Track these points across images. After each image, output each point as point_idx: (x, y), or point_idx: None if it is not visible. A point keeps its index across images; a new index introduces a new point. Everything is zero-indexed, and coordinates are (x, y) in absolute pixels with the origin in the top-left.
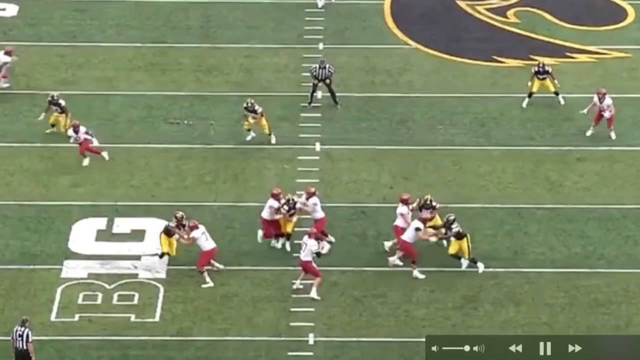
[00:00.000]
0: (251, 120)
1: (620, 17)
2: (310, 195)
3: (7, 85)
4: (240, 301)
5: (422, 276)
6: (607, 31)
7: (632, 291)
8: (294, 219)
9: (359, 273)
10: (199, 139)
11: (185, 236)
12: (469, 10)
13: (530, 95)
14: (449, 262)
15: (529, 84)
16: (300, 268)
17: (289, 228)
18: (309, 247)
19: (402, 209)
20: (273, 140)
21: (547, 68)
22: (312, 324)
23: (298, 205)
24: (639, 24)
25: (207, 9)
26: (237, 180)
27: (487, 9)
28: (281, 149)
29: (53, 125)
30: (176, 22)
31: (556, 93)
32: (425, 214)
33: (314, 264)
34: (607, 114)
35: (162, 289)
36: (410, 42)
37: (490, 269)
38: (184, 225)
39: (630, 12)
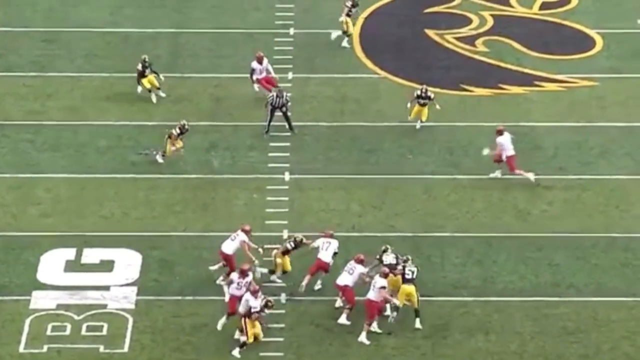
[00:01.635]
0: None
1: (588, 46)
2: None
3: None
4: (210, 331)
5: (379, 330)
6: (576, 60)
7: (601, 319)
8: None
9: (329, 303)
10: (168, 169)
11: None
12: (438, 40)
13: (410, 116)
14: (419, 292)
15: (408, 105)
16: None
17: (287, 266)
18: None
19: (360, 268)
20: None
21: (429, 94)
22: (281, 354)
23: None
24: (607, 52)
25: (176, 39)
26: (207, 209)
27: (456, 38)
28: (250, 178)
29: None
30: (145, 51)
31: (422, 120)
32: (385, 269)
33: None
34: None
35: (131, 320)
36: (379, 71)
37: (460, 298)
38: None
39: (599, 41)
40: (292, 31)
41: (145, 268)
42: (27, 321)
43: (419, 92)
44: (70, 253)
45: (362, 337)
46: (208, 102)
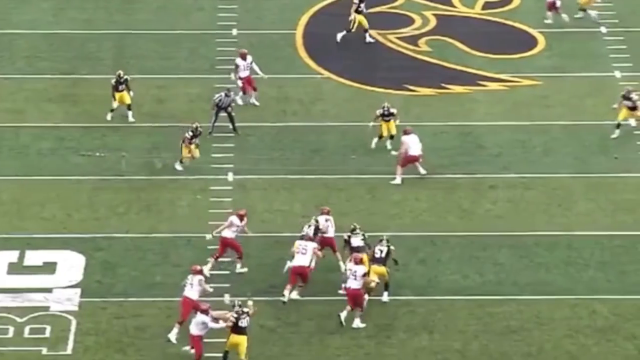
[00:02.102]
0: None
1: (531, 45)
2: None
3: None
4: (153, 333)
5: (362, 325)
6: (519, 59)
7: (543, 317)
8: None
9: (273, 303)
10: (111, 171)
11: None
12: (381, 40)
13: (380, 137)
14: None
15: (371, 124)
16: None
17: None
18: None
19: (312, 244)
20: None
21: (392, 110)
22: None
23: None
24: (550, 52)
25: (119, 40)
26: (150, 211)
27: (399, 38)
28: (193, 179)
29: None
30: (88, 53)
31: (391, 137)
32: (357, 255)
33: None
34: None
35: (74, 322)
36: (322, 71)
37: (404, 297)
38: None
39: (541, 40)
40: (234, 32)
41: (88, 270)
42: None
43: (381, 111)
44: (12, 255)
45: (357, 322)
46: (152, 103)
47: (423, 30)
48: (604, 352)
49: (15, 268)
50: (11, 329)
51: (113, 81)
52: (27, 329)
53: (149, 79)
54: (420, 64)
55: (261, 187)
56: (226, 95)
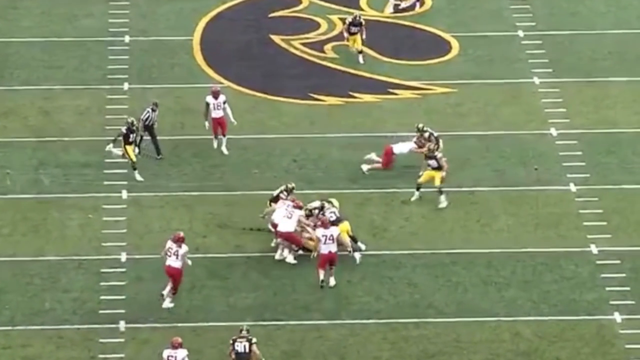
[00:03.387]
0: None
1: (443, 50)
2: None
3: None
4: None
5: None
6: (431, 65)
7: (463, 341)
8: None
9: (169, 329)
10: None
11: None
12: (285, 46)
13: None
14: (268, 315)
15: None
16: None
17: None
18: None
19: (298, 212)
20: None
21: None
22: None
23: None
24: (464, 57)
25: (3, 48)
26: (38, 232)
27: (303, 44)
28: (85, 197)
29: None
30: None
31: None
32: (323, 218)
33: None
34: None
35: None
36: (222, 80)
37: (312, 322)
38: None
39: (455, 44)
40: (127, 38)
41: None
42: None
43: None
44: None
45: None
46: (37, 116)
47: (329, 36)
48: None
49: None
50: None
51: (124, 129)
52: None
53: (33, 90)
54: (327, 71)
55: (158, 205)
56: (152, 110)
